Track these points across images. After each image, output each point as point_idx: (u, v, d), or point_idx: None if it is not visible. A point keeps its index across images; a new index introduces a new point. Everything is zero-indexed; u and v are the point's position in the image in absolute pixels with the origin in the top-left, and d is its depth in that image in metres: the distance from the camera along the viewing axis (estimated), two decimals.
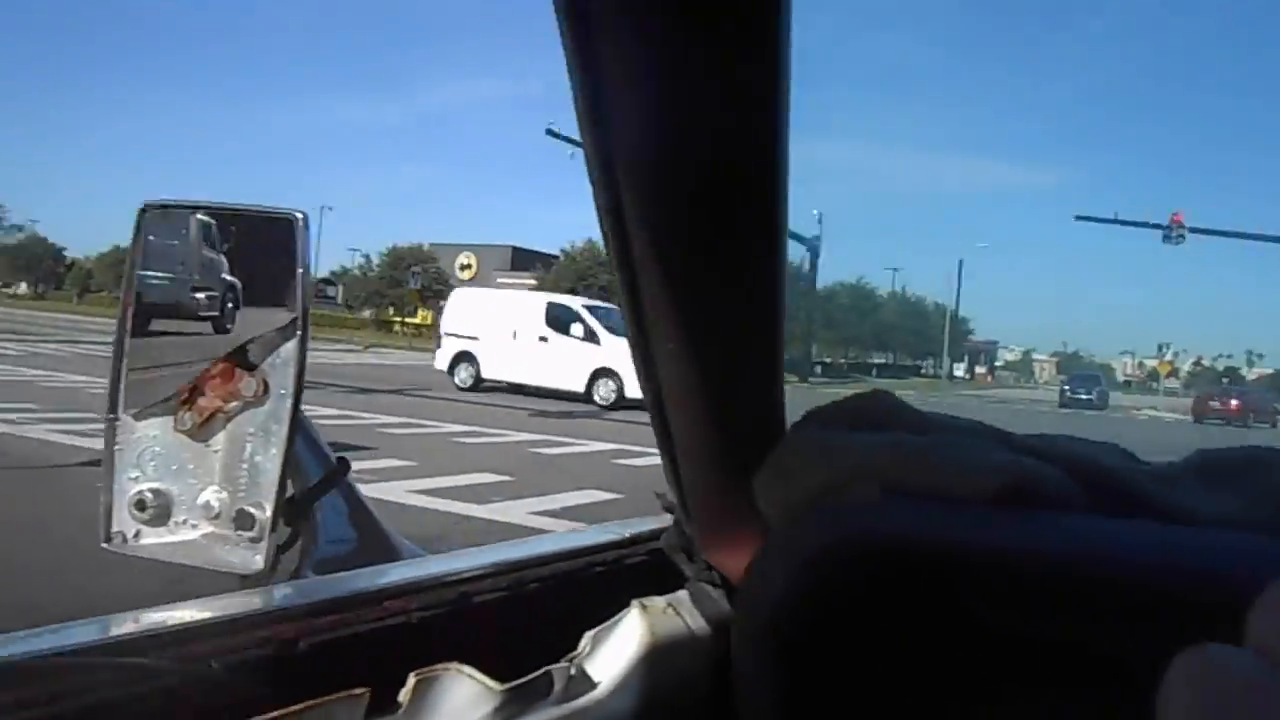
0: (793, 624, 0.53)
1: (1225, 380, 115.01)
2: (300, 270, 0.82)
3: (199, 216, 0.90)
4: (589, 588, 0.79)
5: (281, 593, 0.70)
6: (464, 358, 19.04)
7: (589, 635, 0.70)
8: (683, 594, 0.76)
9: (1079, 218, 40.43)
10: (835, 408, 0.63)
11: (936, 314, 59.32)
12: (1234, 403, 32.97)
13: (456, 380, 18.87)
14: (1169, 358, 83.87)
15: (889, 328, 56.95)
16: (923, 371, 61.97)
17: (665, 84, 0.51)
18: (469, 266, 54.27)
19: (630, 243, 0.56)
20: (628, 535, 0.87)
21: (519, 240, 56.82)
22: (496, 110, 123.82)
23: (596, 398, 17.30)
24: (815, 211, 43.50)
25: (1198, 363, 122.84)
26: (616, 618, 0.72)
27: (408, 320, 51.69)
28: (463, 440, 11.10)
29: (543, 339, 18.31)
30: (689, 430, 0.66)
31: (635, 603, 0.72)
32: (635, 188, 0.54)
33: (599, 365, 17.40)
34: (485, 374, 18.64)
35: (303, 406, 0.85)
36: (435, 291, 50.54)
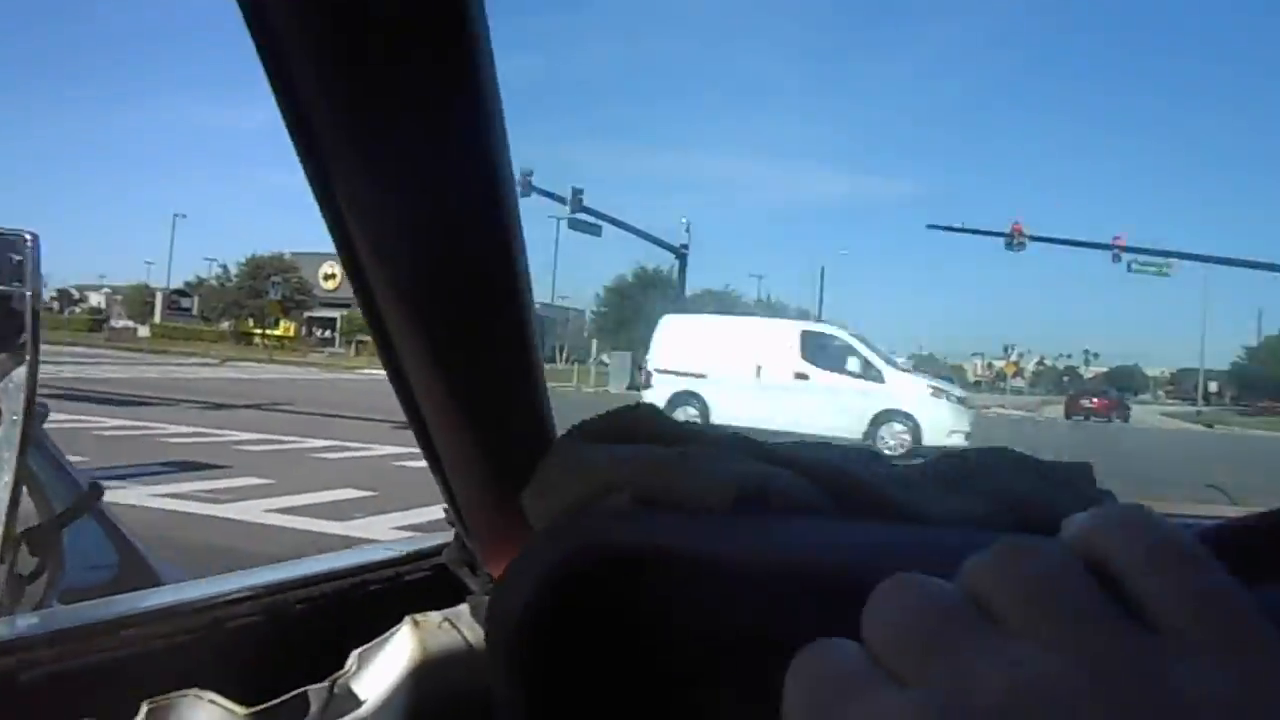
0: (536, 637, 0.53)
1: (1065, 379, 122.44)
2: (29, 292, 0.79)
3: None
4: (363, 607, 0.78)
5: (6, 625, 0.66)
6: (685, 399, 15.45)
7: (355, 654, 0.69)
8: (462, 608, 0.76)
9: (930, 226, 42.25)
10: (601, 420, 0.64)
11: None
12: (1097, 401, 38.22)
13: None
14: (1014, 358, 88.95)
15: None
16: None
17: (379, 117, 0.51)
18: (333, 276, 52.67)
19: (361, 261, 0.56)
20: (408, 552, 0.87)
21: None
22: None
23: (883, 446, 13.93)
24: (683, 220, 44.33)
25: (1041, 362, 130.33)
26: (386, 635, 0.72)
27: (269, 332, 49.84)
28: (324, 456, 10.80)
29: (800, 376, 15.02)
30: (454, 447, 0.66)
31: (408, 619, 0.72)
32: (360, 207, 0.54)
33: (885, 406, 14.43)
34: (716, 418, 14.92)
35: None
36: (297, 302, 48.94)
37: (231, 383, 22.94)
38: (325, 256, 54.15)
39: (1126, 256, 36.69)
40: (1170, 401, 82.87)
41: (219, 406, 15.32)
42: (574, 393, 31.44)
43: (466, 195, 0.56)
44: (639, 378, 35.59)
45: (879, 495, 0.62)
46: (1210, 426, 38.14)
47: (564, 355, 53.69)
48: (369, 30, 0.49)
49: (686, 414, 14.58)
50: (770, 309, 62.50)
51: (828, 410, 14.10)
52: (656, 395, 15.51)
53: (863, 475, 0.64)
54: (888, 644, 0.24)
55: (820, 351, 15.30)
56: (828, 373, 14.93)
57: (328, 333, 51.39)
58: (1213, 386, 70.01)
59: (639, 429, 0.63)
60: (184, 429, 11.24)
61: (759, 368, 15.17)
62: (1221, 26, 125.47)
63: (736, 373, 15.14)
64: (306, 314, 49.67)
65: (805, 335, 15.77)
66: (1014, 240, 37.56)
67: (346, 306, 50.70)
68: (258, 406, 16.24)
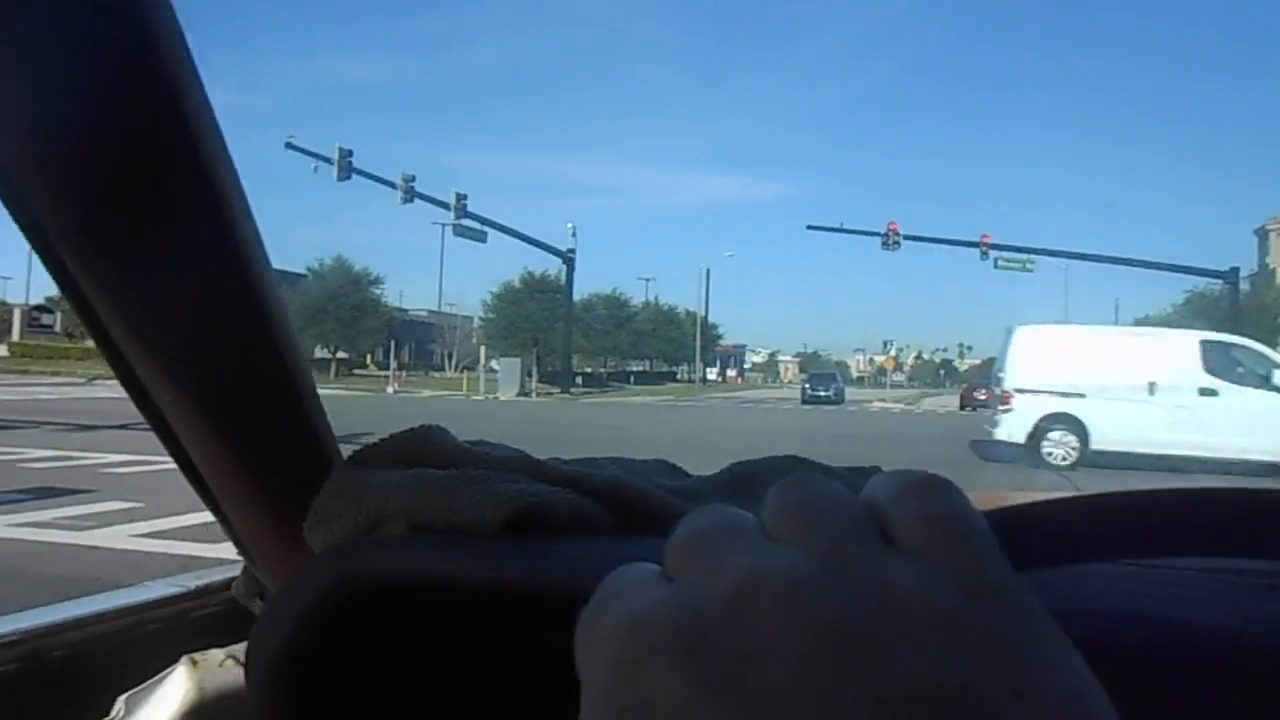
0: (294, 676, 0.51)
1: (941, 371, 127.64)
2: None
3: None
4: (140, 649, 0.75)
5: None
6: (1057, 422, 13.33)
7: (123, 699, 0.67)
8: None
9: (810, 227, 43.47)
10: (382, 445, 0.63)
11: (688, 321, 61.74)
12: (986, 393, 38.78)
13: (1047, 454, 13.31)
14: (893, 354, 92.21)
15: (645, 336, 58.65)
16: (678, 376, 64.30)
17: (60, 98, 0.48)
18: None
19: (75, 280, 0.53)
20: (195, 587, 0.83)
21: None
22: (229, 122, 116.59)
23: None
24: (569, 225, 44.40)
25: (919, 357, 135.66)
26: (159, 676, 0.69)
27: None
28: None
29: (1207, 392, 12.95)
30: (224, 479, 0.64)
31: (185, 658, 0.70)
32: (51, 199, 0.51)
33: None
34: (1099, 443, 12.97)
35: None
36: None
37: (100, 402, 21.86)
38: None
39: (993, 253, 38.46)
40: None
41: (85, 428, 14.61)
42: (463, 401, 31.16)
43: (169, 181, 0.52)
44: (529, 384, 35.52)
45: (661, 509, 0.62)
46: None
47: (453, 363, 53.15)
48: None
49: (1059, 439, 13.32)
50: (659, 311, 63.33)
51: (1243, 430, 12.28)
52: (1020, 418, 13.54)
53: (643, 489, 0.63)
54: (670, 553, 0.27)
55: (1228, 363, 13.26)
56: (1240, 388, 12.95)
57: None
58: None
59: (423, 451, 0.62)
60: (46, 453, 10.69)
61: (1152, 384, 12.96)
62: (1081, 33, 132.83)
63: (1123, 390, 12.84)
64: None
65: (1207, 346, 13.44)
66: (889, 239, 38.91)
67: None
68: (127, 426, 15.56)
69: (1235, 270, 38.84)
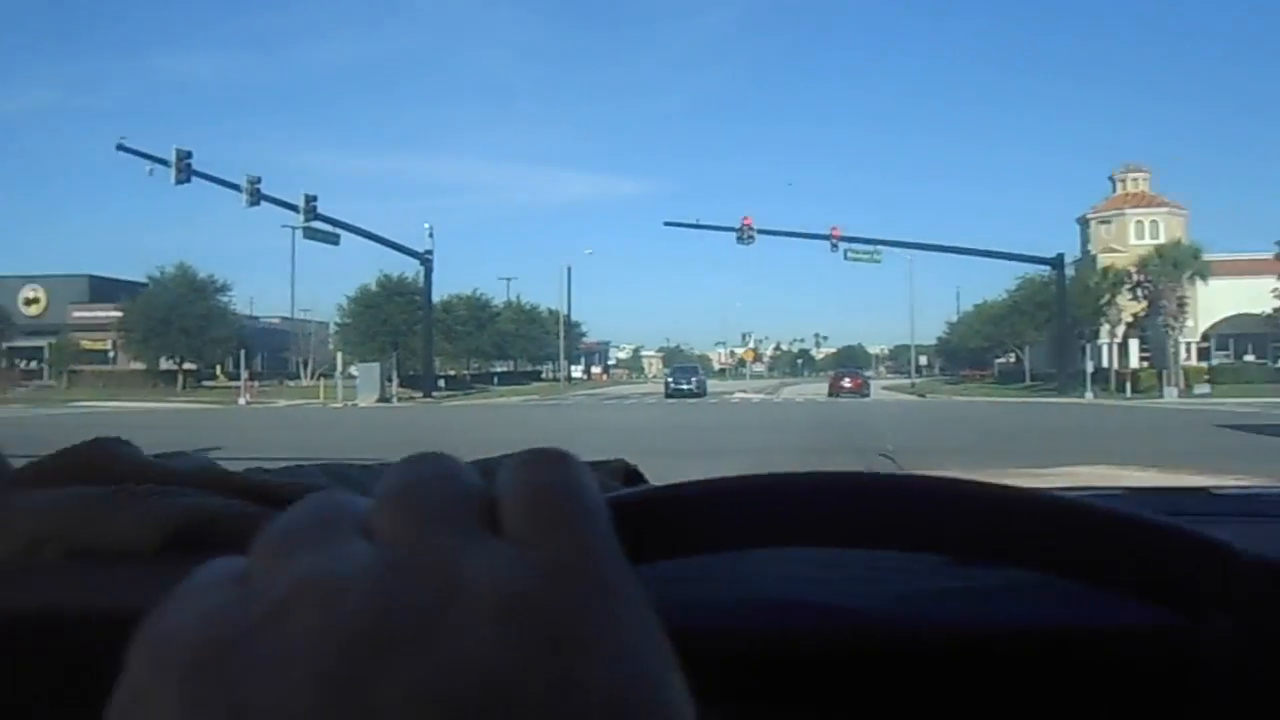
0: None
1: (799, 361, 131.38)
2: None
3: None
4: None
5: None
6: None
7: None
8: None
9: (667, 223, 44.28)
10: (50, 460, 0.58)
11: (551, 320, 61.66)
12: (851, 381, 43.22)
13: None
14: (752, 345, 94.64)
15: (508, 336, 58.26)
16: (543, 375, 64.18)
17: None
18: (36, 301, 47.60)
19: None
20: None
21: (97, 268, 50.54)
22: (56, 122, 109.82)
23: None
24: (426, 225, 43.59)
25: (777, 348, 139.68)
26: None
27: None
28: None
29: None
30: None
31: None
32: None
33: None
34: None
35: None
36: None
37: None
38: (26, 279, 48.83)
39: (843, 245, 40.01)
40: (889, 376, 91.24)
41: None
42: (320, 409, 30.25)
43: None
44: (389, 389, 34.75)
45: None
46: (923, 396, 42.38)
47: (309, 371, 51.41)
48: None
49: None
50: (521, 310, 63.01)
51: None
52: None
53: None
54: (254, 552, 0.24)
55: None
56: None
57: (33, 363, 46.31)
58: (923, 360, 77.66)
59: (97, 466, 0.58)
60: None
61: None
62: (921, 32, 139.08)
63: None
64: (6, 344, 44.46)
65: None
66: (744, 234, 39.96)
67: (55, 333, 45.99)
68: None
69: (1061, 257, 41.65)
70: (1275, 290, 37.79)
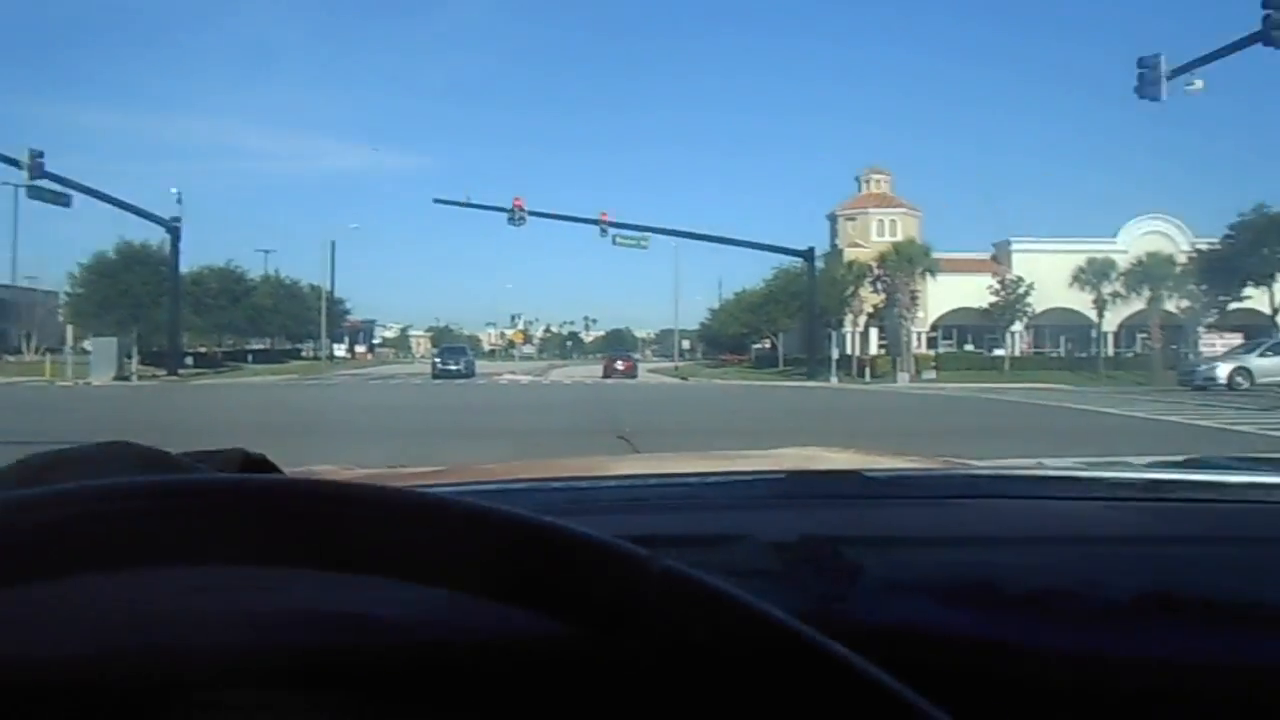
0: None
1: (569, 343, 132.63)
2: None
3: None
4: None
5: None
6: None
7: None
8: None
9: (436, 200, 43.42)
10: None
11: (313, 296, 59.03)
12: (623, 364, 45.14)
13: None
14: (521, 327, 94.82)
15: (265, 312, 55.19)
16: (303, 354, 61.35)
17: None
18: None
19: None
20: None
21: None
22: None
23: None
24: (174, 190, 40.47)
25: (547, 330, 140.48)
26: None
27: None
28: None
29: None
30: None
31: None
32: None
33: None
34: None
35: None
36: None
37: None
38: None
39: (612, 230, 40.86)
40: (654, 359, 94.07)
41: None
42: (46, 388, 27.58)
43: None
44: (129, 366, 32.15)
45: None
46: (685, 379, 44.12)
47: (32, 345, 46.46)
48: None
49: None
50: (280, 285, 59.83)
51: None
52: None
53: None
54: None
55: None
56: None
57: None
58: (686, 344, 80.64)
59: None
60: None
61: None
62: (691, 35, 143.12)
63: None
64: None
65: None
66: (515, 215, 39.93)
67: None
68: None
69: (812, 250, 44.54)
70: (990, 287, 42.27)
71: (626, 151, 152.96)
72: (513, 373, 46.59)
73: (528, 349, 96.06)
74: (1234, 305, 38.07)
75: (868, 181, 53.12)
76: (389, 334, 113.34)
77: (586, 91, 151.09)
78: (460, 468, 1.31)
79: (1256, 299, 36.98)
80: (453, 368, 39.20)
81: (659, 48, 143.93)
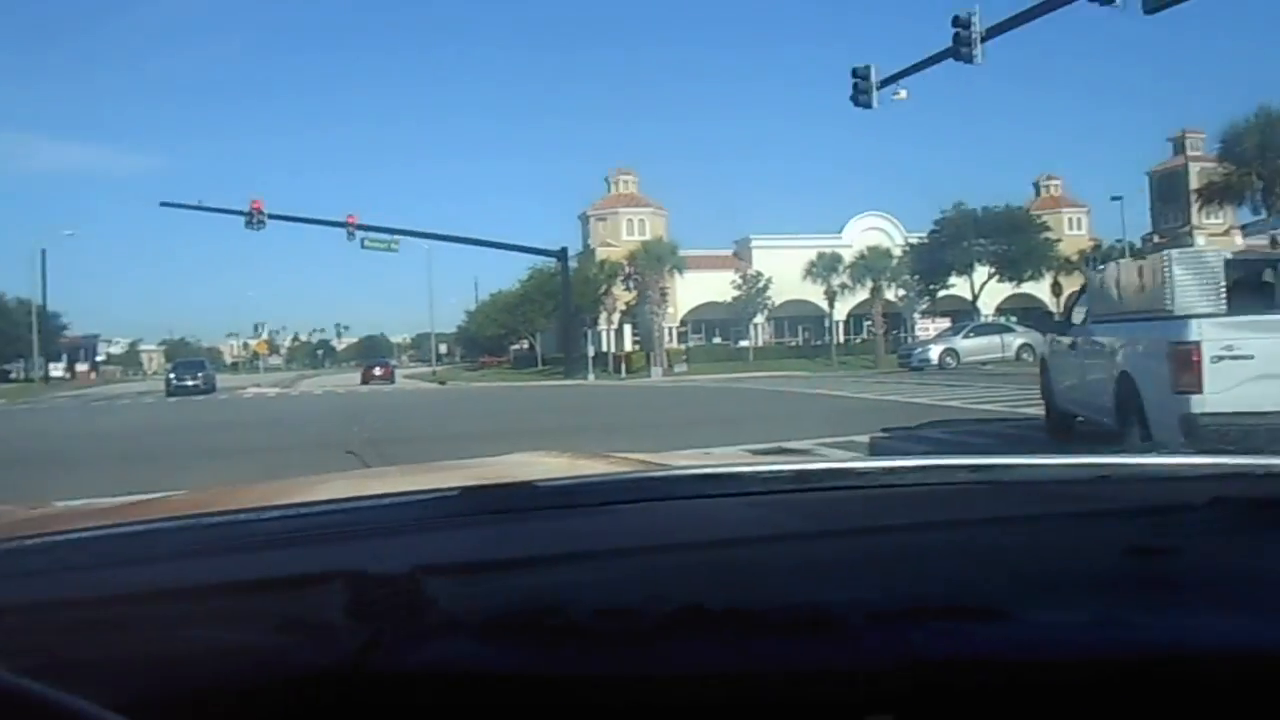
0: None
1: (320, 352, 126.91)
2: None
3: None
4: None
5: None
6: None
7: None
8: None
9: (164, 204, 40.39)
10: None
11: (21, 310, 53.15)
12: (381, 371, 45.41)
13: None
14: (266, 336, 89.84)
15: None
16: (13, 376, 55.13)
17: None
18: None
19: None
20: None
21: None
22: None
23: None
24: None
25: (296, 339, 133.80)
26: None
27: None
28: None
29: None
30: None
31: None
32: None
33: None
34: None
35: None
36: None
37: None
38: None
39: (360, 233, 39.56)
40: (412, 364, 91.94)
41: None
42: None
43: None
44: None
45: None
46: (443, 383, 43.45)
47: None
48: None
49: None
50: None
51: None
52: None
53: None
54: None
55: None
56: None
57: None
58: (444, 348, 79.40)
59: None
60: None
61: None
62: (440, 29, 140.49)
63: None
64: None
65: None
66: (254, 218, 37.76)
67: None
68: None
69: (565, 250, 45.18)
70: (733, 282, 44.64)
71: (375, 155, 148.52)
72: (258, 385, 44.08)
73: (275, 360, 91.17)
74: (943, 293, 42.32)
75: (617, 182, 54.45)
76: (116, 350, 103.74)
77: (331, 95, 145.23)
78: (144, 503, 1.30)
79: (960, 286, 41.30)
80: (190, 383, 36.58)
81: (405, 54, 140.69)
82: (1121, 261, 14.54)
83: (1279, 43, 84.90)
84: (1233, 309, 6.50)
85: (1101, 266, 12.25)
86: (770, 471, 1.04)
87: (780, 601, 0.61)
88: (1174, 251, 7.34)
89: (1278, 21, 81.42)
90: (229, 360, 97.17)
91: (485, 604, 0.62)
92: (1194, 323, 6.27)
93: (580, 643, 0.57)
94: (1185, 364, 6.13)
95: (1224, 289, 6.57)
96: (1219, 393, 6.03)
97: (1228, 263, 6.99)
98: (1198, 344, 6.10)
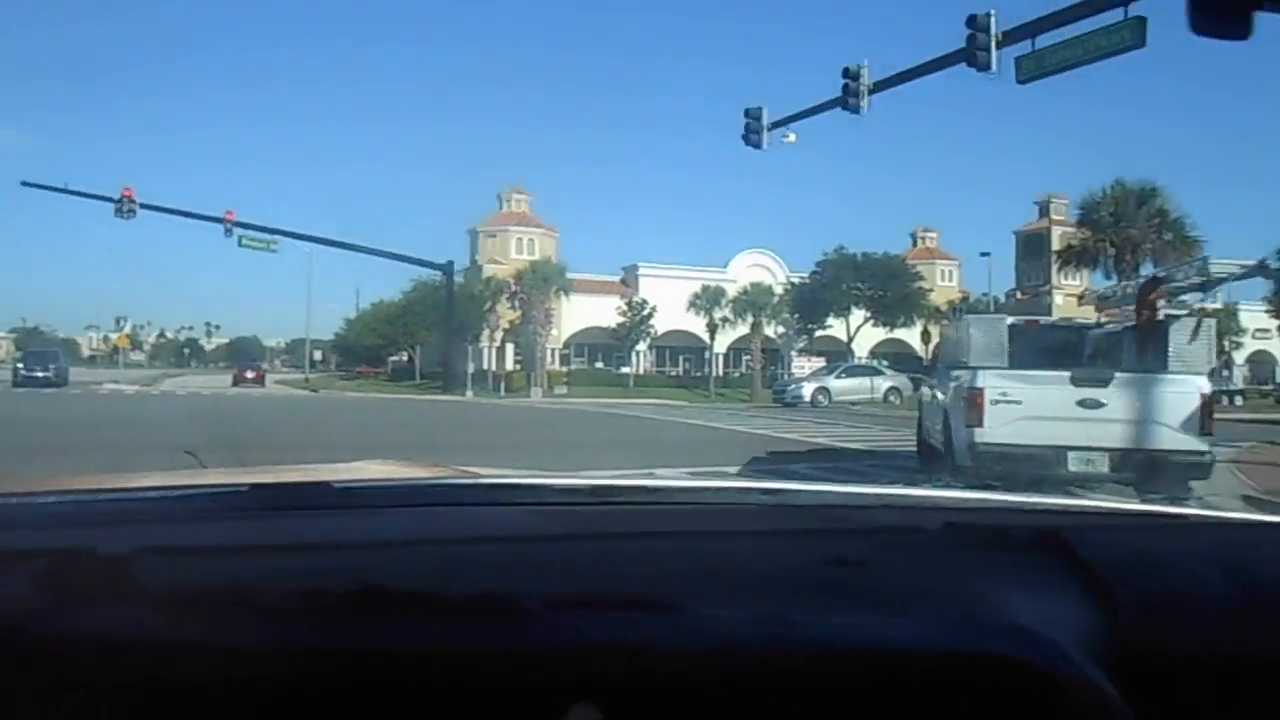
0: None
1: (186, 350, 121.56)
2: None
3: None
4: None
5: None
6: None
7: None
8: None
9: (25, 184, 38.10)
10: None
11: None
12: (253, 373, 45.48)
13: None
14: (128, 330, 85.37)
15: None
16: None
17: None
18: None
19: None
20: None
21: None
22: None
23: None
24: None
25: (161, 335, 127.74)
26: None
27: None
28: None
29: None
30: None
31: None
32: None
33: None
34: None
35: None
36: None
37: None
38: None
39: (238, 231, 38.14)
40: (285, 369, 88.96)
41: None
42: None
43: None
44: None
45: None
46: (316, 391, 42.24)
47: None
48: None
49: None
50: None
51: None
52: None
53: None
54: None
55: None
56: None
57: None
58: (319, 355, 77.09)
59: None
60: None
61: None
62: (331, 30, 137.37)
63: None
64: None
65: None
66: (124, 207, 36.00)
67: None
68: None
69: (451, 264, 44.60)
70: (619, 308, 44.90)
71: (257, 153, 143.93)
72: (115, 382, 41.94)
73: (137, 355, 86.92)
74: (820, 332, 43.57)
75: (508, 199, 54.20)
76: None
77: (215, 90, 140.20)
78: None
79: (837, 328, 42.60)
80: (39, 374, 34.63)
81: (296, 51, 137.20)
82: (955, 320, 18.50)
83: (1140, 118, 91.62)
84: (1013, 364, 8.20)
85: (946, 321, 15.17)
86: (569, 485, 1.08)
87: (475, 591, 0.65)
88: (971, 316, 9.91)
89: (1140, 98, 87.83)
90: (87, 353, 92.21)
91: (183, 582, 0.65)
92: (980, 373, 8.07)
93: (259, 621, 0.61)
94: (973, 405, 7.93)
95: (1007, 347, 8.27)
96: (996, 427, 7.84)
97: (1010, 327, 8.75)
98: (982, 390, 7.93)
